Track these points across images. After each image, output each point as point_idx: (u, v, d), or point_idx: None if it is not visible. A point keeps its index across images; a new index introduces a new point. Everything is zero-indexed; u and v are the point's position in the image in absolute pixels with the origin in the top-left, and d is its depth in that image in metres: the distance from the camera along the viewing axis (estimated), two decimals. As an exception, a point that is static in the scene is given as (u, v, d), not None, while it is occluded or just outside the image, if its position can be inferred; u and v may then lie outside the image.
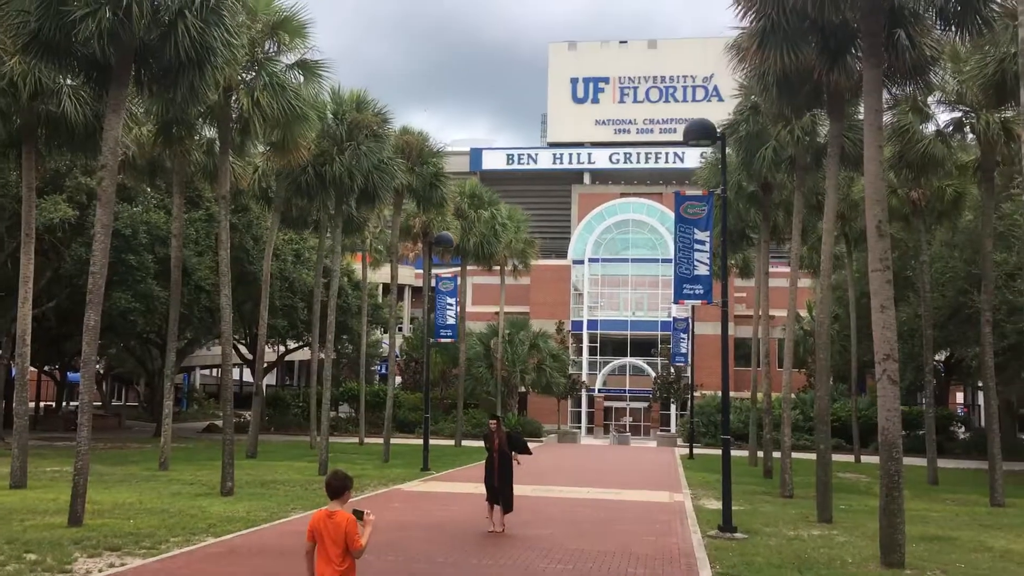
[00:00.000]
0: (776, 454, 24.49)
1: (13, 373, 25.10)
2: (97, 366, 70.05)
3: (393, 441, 30.81)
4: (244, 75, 19.44)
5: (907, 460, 14.11)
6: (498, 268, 45.31)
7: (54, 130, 19.18)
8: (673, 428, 56.28)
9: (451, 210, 36.79)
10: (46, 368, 50.86)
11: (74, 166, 27.89)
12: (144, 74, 15.14)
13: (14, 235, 28.87)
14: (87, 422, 13.81)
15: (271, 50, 20.04)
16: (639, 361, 59.92)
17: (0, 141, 19.61)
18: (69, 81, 17.76)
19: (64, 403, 54.80)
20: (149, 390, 53.33)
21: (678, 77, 79.12)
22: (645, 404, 58.26)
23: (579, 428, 57.30)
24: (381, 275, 50.91)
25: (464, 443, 38.28)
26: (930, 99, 21.82)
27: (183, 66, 14.44)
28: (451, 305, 33.19)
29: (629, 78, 79.60)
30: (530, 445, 16.01)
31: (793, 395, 29.95)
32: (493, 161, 79.39)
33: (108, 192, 14.40)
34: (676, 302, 17.81)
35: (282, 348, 53.08)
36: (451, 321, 33.22)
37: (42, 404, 54.34)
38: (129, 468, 22.96)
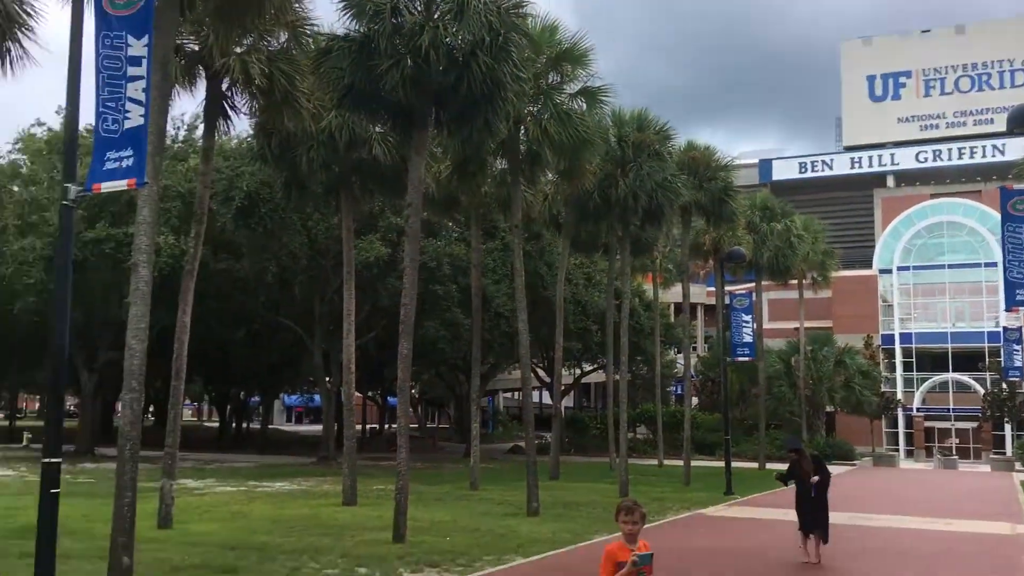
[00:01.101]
0: None
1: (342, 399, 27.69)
2: (412, 391, 75.89)
3: (693, 463, 30.15)
4: (531, 107, 20.11)
5: None
6: (795, 282, 43.14)
7: (367, 175, 21.02)
8: (1009, 450, 50.23)
9: (742, 224, 35.62)
10: (369, 394, 55.69)
11: (384, 208, 30.42)
12: (442, 115, 16.08)
13: (338, 273, 31.98)
14: (405, 444, 14.77)
15: (555, 80, 20.60)
16: (963, 377, 54.38)
17: (323, 189, 21.77)
18: (377, 128, 19.36)
19: (386, 425, 59.71)
20: (458, 413, 56.68)
21: (992, 63, 71.61)
22: (973, 424, 52.61)
23: (896, 450, 52.96)
24: (672, 294, 50.46)
25: (768, 465, 36.64)
26: None
27: (476, 103, 15.15)
28: (747, 322, 32.05)
29: (934, 69, 73.24)
30: (841, 469, 14.84)
31: None
32: (784, 171, 76.25)
33: (414, 228, 15.42)
34: (1008, 310, 15.88)
35: (578, 371, 54.18)
36: (748, 339, 32.07)
37: (367, 427, 59.66)
38: (443, 487, 24.33)
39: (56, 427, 7.09)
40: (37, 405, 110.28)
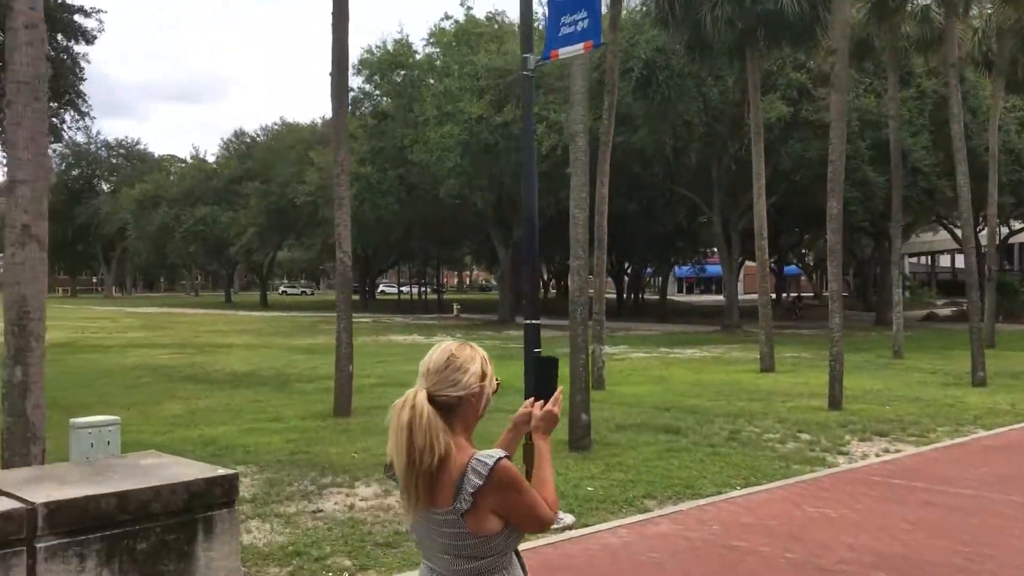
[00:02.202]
0: None
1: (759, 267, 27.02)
2: (806, 258, 72.84)
3: None
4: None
5: None
6: None
7: (772, 28, 19.69)
8: None
9: None
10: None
11: (784, 64, 28.56)
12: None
13: (735, 138, 30.96)
14: (839, 309, 14.01)
15: None
16: None
17: (725, 47, 20.84)
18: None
19: (783, 294, 58.20)
20: (860, 279, 53.45)
21: None
22: None
23: None
24: None
25: None
26: None
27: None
28: None
29: None
30: None
31: None
32: None
33: (841, 78, 14.14)
34: None
35: (1005, 229, 48.01)
36: None
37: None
38: (861, 355, 23.05)
39: (534, 292, 7.51)
40: (455, 280, 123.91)
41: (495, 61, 32.58)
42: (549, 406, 2.60)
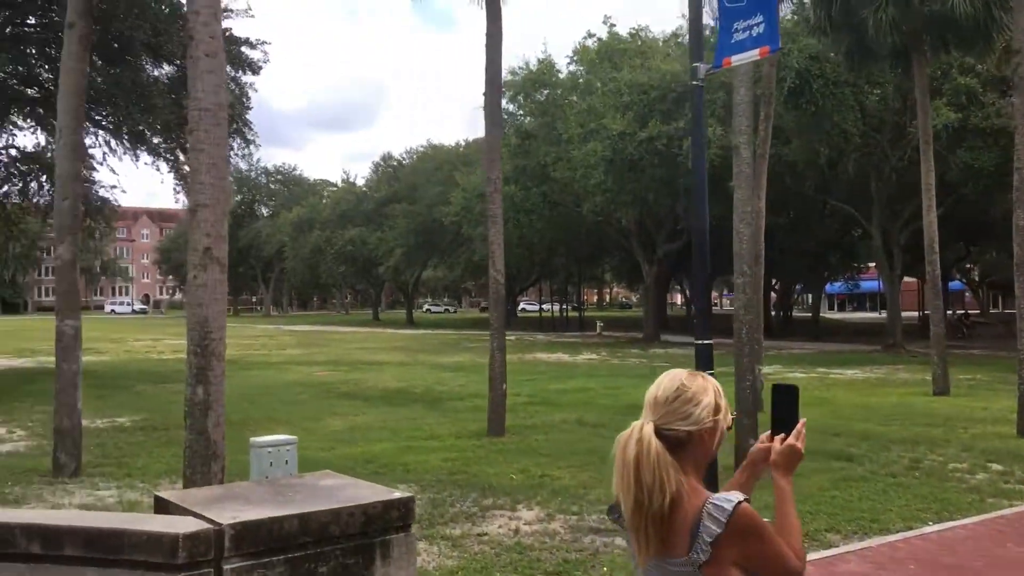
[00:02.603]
0: None
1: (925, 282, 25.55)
2: (972, 273, 68.50)
3: None
4: None
5: None
6: None
7: (941, 30, 18.57)
8: None
9: None
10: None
11: (950, 68, 26.93)
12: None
13: (896, 147, 29.43)
14: (1027, 328, 12.88)
15: None
16: None
17: (889, 52, 19.79)
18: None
19: (947, 311, 54.81)
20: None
21: None
22: None
23: None
24: None
25: None
26: None
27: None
28: None
29: None
30: None
31: None
32: None
33: (1025, 78, 13.06)
34: None
35: None
36: None
37: (923, 312, 55.27)
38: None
39: (704, 310, 7.18)
40: (595, 297, 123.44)
41: (639, 77, 32.24)
42: (791, 440, 2.33)
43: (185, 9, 7.39)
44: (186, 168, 19.60)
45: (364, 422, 14.79)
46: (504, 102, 40.90)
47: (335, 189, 77.54)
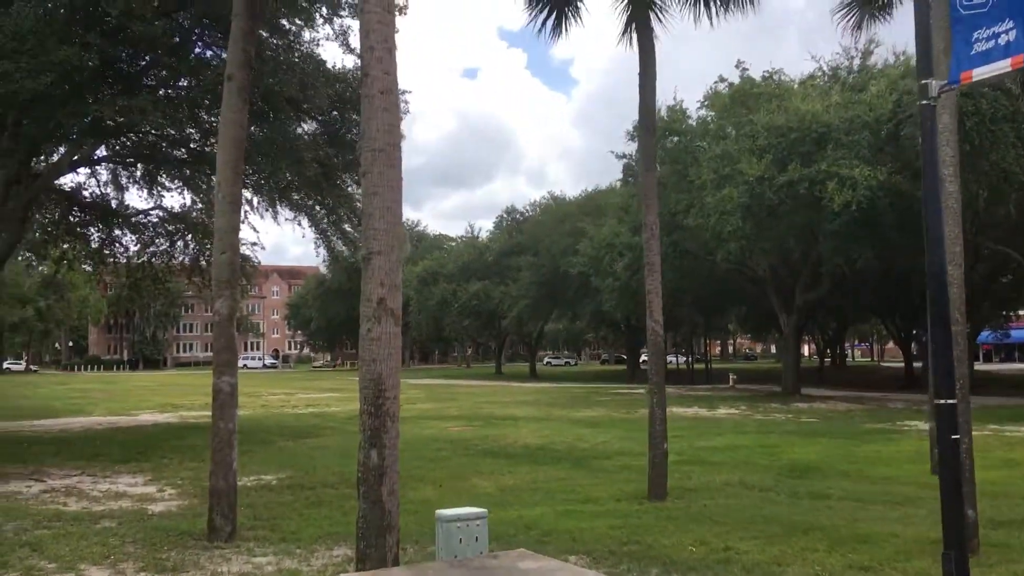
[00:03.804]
0: None
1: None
2: None
3: None
4: None
5: None
6: None
7: None
8: None
9: None
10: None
11: None
12: None
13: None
14: None
15: None
16: None
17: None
18: None
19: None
20: None
21: None
22: None
23: None
24: None
25: None
26: None
27: None
28: None
29: None
30: None
31: None
32: None
33: None
34: None
35: None
36: None
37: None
38: None
39: (946, 364, 6.16)
40: (718, 349, 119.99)
41: (775, 119, 31.04)
42: None
43: (358, 50, 6.98)
44: (324, 223, 19.64)
45: (513, 483, 14.06)
46: (633, 149, 40.32)
47: (454, 244, 78.39)
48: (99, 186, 23.11)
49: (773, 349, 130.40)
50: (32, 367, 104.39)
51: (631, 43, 13.21)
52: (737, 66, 36.48)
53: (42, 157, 18.79)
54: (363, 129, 6.56)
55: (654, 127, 13.32)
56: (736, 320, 76.38)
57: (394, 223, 6.48)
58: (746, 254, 34.74)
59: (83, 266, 29.14)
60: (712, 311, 58.13)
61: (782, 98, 32.82)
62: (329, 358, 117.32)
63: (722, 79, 36.60)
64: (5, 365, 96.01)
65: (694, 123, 37.26)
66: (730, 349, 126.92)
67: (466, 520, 5.52)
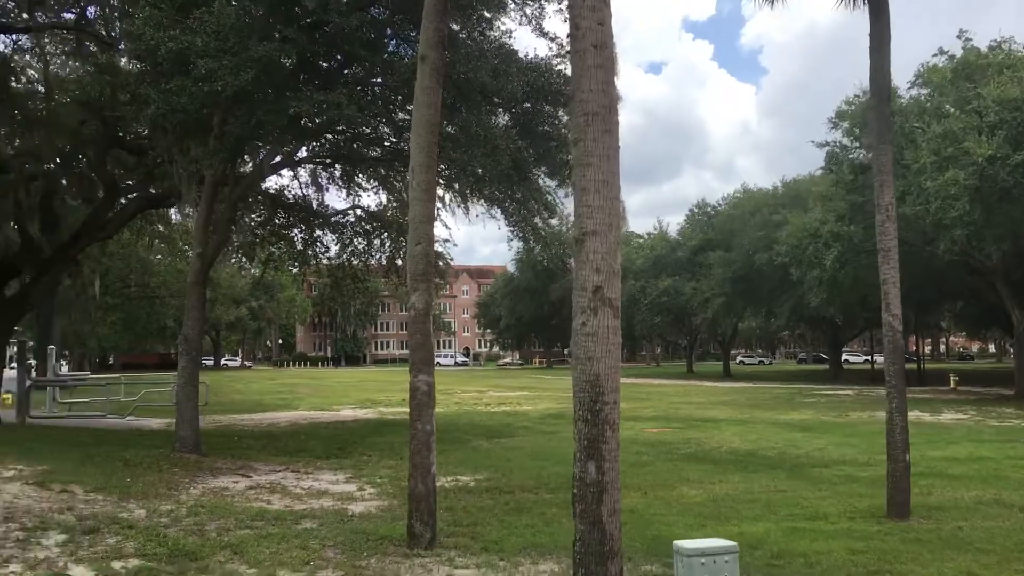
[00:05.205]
0: None
1: None
2: None
3: None
4: None
5: None
6: None
7: None
8: None
9: None
10: None
11: None
12: None
13: None
14: None
15: None
16: None
17: None
18: None
19: None
20: None
21: None
22: None
23: None
24: None
25: None
26: None
27: None
28: None
29: None
30: None
31: None
32: None
33: None
34: None
35: None
36: None
37: None
38: None
39: None
40: (928, 347, 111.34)
41: (1009, 91, 27.74)
42: None
43: (551, 33, 6.05)
44: (523, 211, 18.99)
45: (725, 492, 12.85)
46: (839, 135, 37.53)
47: (643, 239, 76.58)
48: (300, 187, 23.73)
49: (992, 348, 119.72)
50: (247, 363, 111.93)
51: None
52: (959, 36, 33.03)
53: (246, 158, 19.32)
54: (574, 90, 5.70)
55: (889, 92, 11.72)
56: (950, 316, 70.47)
57: (611, 198, 5.58)
58: (973, 242, 31.37)
59: (289, 267, 30.18)
60: (925, 306, 53.57)
61: (1015, 68, 29.35)
62: (517, 356, 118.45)
63: (941, 51, 33.30)
64: (223, 361, 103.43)
65: (905, 102, 34.10)
66: (941, 348, 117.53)
67: (712, 555, 4.52)
